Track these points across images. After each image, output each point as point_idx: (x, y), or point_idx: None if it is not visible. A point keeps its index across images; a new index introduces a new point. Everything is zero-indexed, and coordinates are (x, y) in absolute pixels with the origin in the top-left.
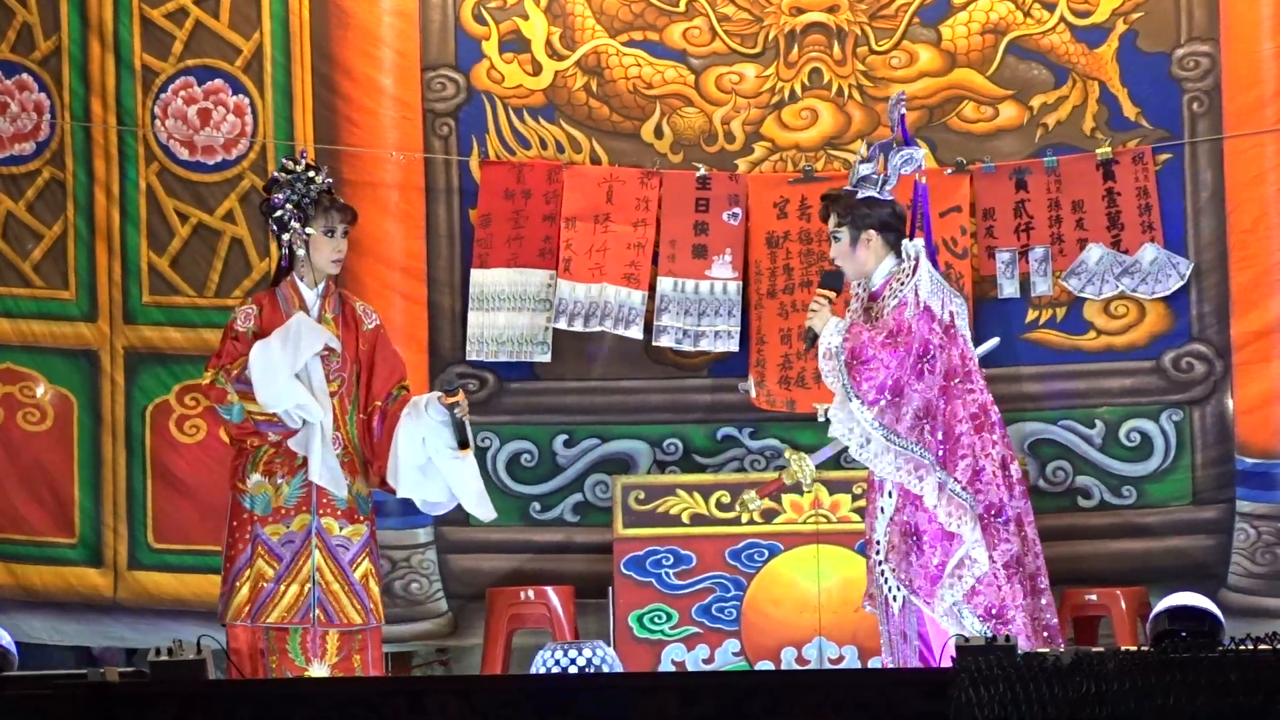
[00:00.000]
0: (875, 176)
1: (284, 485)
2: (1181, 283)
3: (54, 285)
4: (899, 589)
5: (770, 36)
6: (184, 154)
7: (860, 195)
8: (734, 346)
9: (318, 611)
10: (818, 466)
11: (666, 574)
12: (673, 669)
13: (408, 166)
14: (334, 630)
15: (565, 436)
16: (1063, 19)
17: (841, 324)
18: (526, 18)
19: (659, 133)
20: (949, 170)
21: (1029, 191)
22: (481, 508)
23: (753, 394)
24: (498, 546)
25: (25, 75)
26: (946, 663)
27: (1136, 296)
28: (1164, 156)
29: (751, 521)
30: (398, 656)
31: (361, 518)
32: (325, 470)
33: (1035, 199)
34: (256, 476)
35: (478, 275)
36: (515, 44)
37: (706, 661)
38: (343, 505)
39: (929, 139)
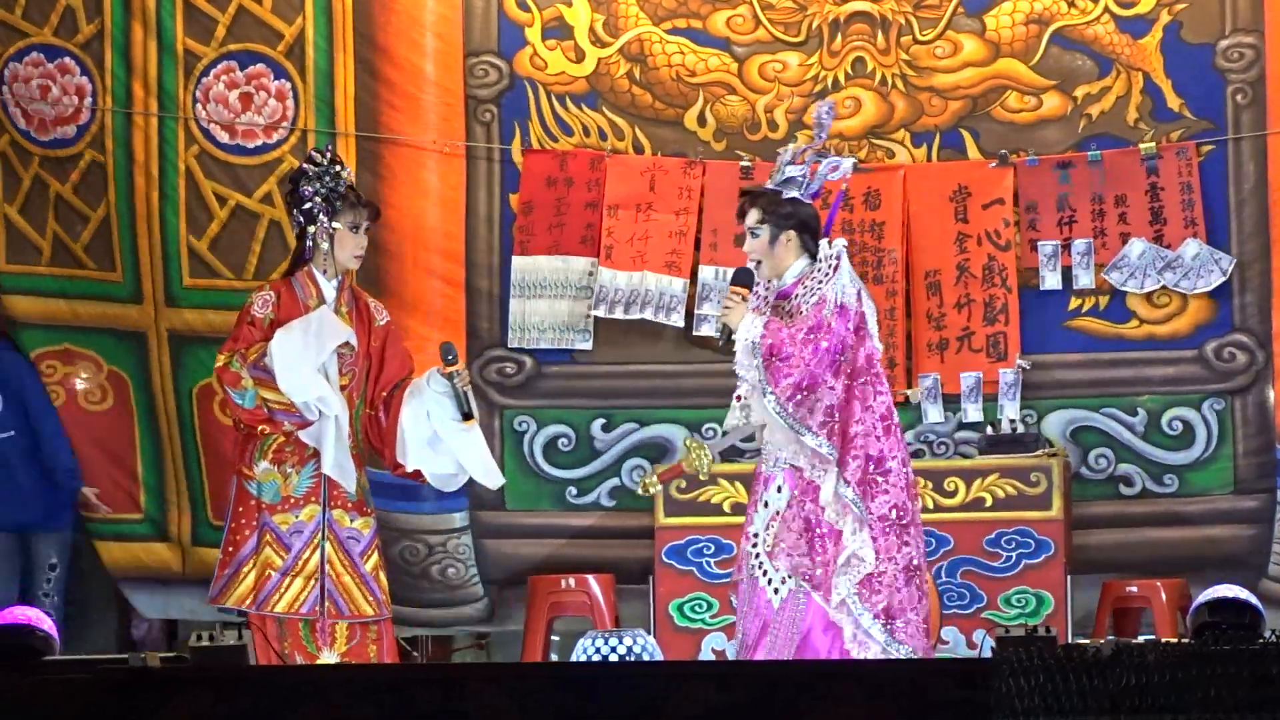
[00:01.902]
0: (800, 179)
1: (293, 475)
2: (1224, 278)
3: (103, 267)
4: (786, 581)
5: (814, 25)
6: (224, 137)
7: (785, 195)
8: None
9: (328, 604)
10: (720, 455)
11: (707, 563)
12: (713, 658)
13: (449, 153)
14: (343, 621)
15: (603, 420)
16: (1107, 9)
17: (758, 320)
18: (570, 4)
19: (702, 121)
20: (992, 163)
21: (1072, 185)
22: (490, 477)
23: None
24: (534, 531)
25: (67, 59)
26: (834, 654)
27: (1179, 291)
28: (1207, 148)
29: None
30: (436, 640)
31: (369, 510)
32: (337, 465)
33: (1078, 192)
34: (265, 464)
35: (519, 262)
36: (558, 30)
37: None
38: (353, 498)
39: (972, 129)
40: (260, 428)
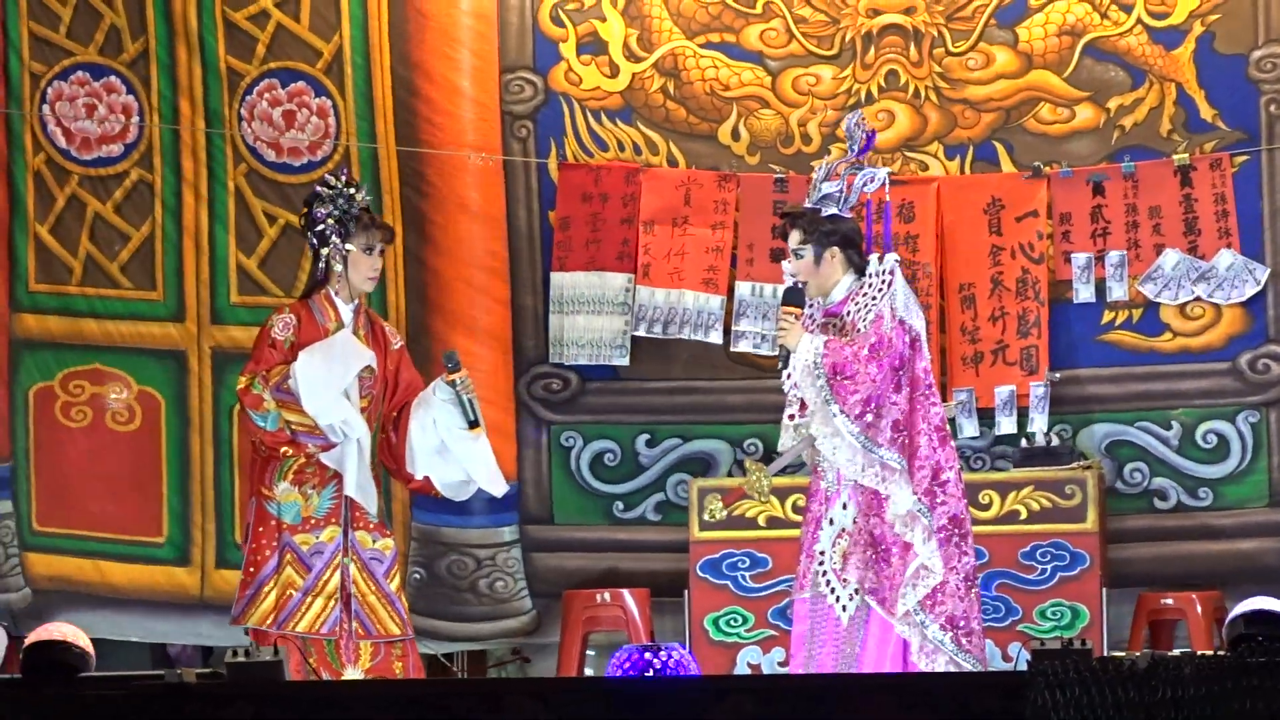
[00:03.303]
0: (838, 195)
1: (314, 495)
2: (1258, 289)
3: (142, 286)
4: (854, 598)
5: (847, 38)
6: (271, 155)
7: (824, 213)
8: None
9: (355, 624)
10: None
11: (742, 576)
12: (748, 672)
13: (487, 167)
14: (368, 640)
15: (647, 436)
16: (1139, 20)
17: (817, 339)
18: (604, 19)
19: (736, 135)
20: (1026, 174)
21: (1106, 197)
22: (494, 484)
23: None
24: (581, 545)
25: (113, 78)
26: (901, 667)
27: (1213, 302)
28: (1241, 158)
29: None
30: (473, 655)
31: (389, 531)
32: (359, 487)
33: (1112, 204)
34: (285, 485)
35: (557, 278)
36: (593, 46)
37: (782, 665)
38: (374, 519)
39: (1005, 141)
40: (282, 450)
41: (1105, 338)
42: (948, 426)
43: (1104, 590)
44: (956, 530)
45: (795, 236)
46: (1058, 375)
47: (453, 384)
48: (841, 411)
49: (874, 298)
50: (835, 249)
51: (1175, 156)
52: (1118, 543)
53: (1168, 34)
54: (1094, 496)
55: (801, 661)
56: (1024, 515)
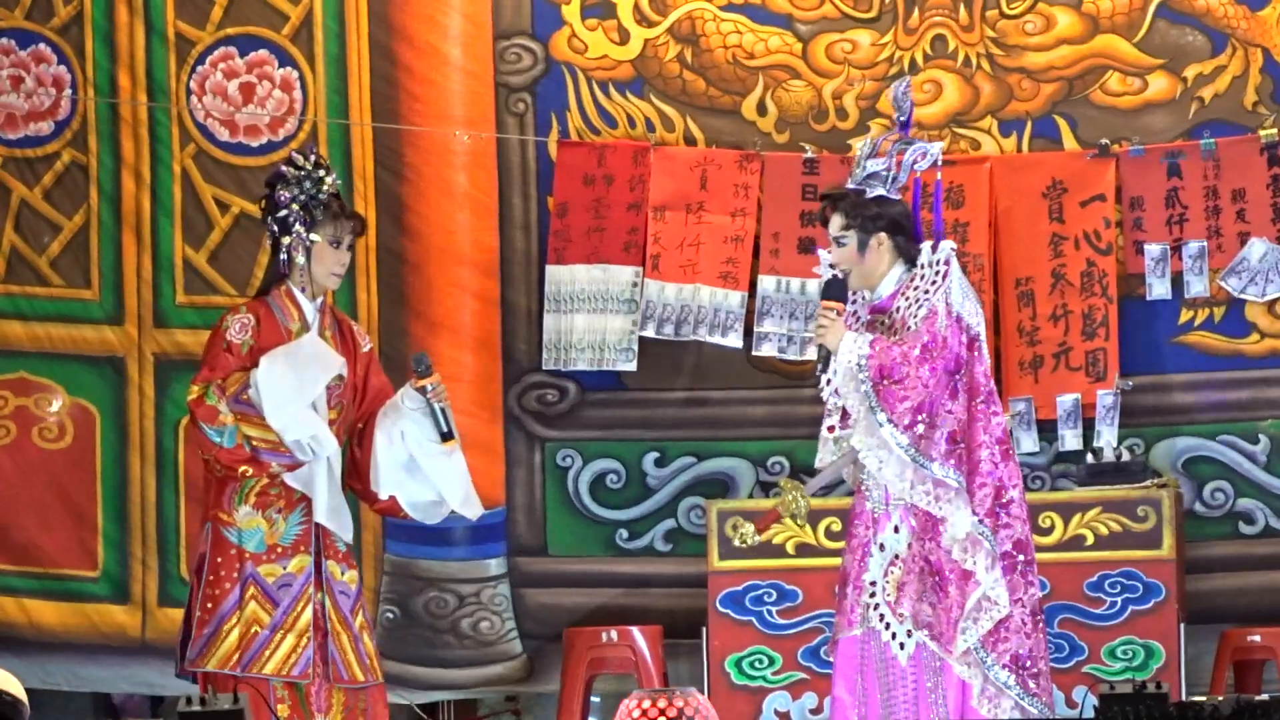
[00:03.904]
0: (885, 174)
1: (279, 521)
2: None
3: (74, 283)
4: (913, 634)
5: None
6: (224, 134)
7: (869, 194)
8: None
9: (330, 666)
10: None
11: (768, 612)
12: None
13: (478, 147)
14: (339, 687)
15: (656, 454)
16: None
17: (862, 338)
18: None
19: (761, 109)
20: (1091, 153)
21: (1183, 178)
22: (469, 506)
23: None
24: (579, 580)
25: (42, 45)
26: (955, 715)
27: None
28: None
29: None
30: (461, 705)
31: (355, 562)
32: (332, 512)
33: (1190, 187)
34: (246, 509)
35: (553, 272)
36: (600, 9)
37: (814, 712)
38: (343, 548)
39: (1067, 115)
40: (241, 469)
41: (1183, 339)
42: (1010, 439)
43: (1181, 626)
44: (1022, 557)
45: (837, 222)
46: (1129, 382)
47: (423, 390)
48: (889, 420)
49: (927, 291)
50: (882, 235)
51: (1262, 132)
52: (1197, 572)
53: None
54: (1170, 519)
55: (850, 708)
56: (1090, 541)
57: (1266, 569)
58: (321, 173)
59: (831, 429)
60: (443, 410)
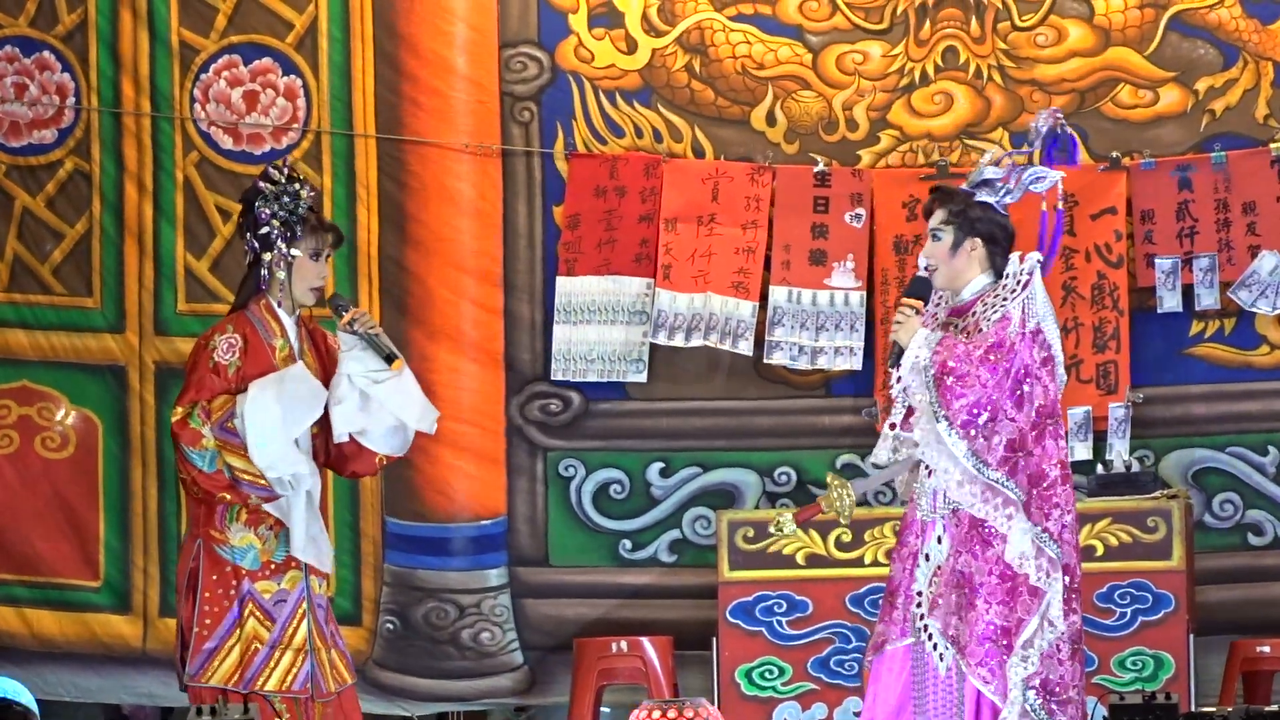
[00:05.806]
0: (998, 184)
1: (270, 538)
2: None
3: (76, 292)
4: (950, 647)
5: (899, 10)
6: (227, 143)
7: (978, 198)
8: (856, 365)
9: (324, 684)
10: (859, 496)
11: (778, 622)
12: None
13: (483, 157)
14: (319, 700)
15: (661, 464)
16: None
17: (932, 336)
18: None
19: (771, 120)
20: (1102, 166)
21: (1194, 191)
22: (426, 420)
23: (878, 419)
24: (582, 590)
25: (46, 53)
26: None
27: None
28: None
29: (875, 562)
30: (469, 717)
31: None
32: (310, 543)
33: (1201, 200)
34: (239, 527)
35: (564, 284)
36: (607, 18)
37: None
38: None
39: (1079, 127)
40: (220, 495)
41: (1193, 351)
42: (1066, 464)
43: (1191, 637)
44: (1067, 580)
45: (938, 215)
46: (1139, 395)
47: (350, 326)
48: (945, 416)
49: (1005, 299)
50: (977, 240)
51: (1272, 145)
52: (1207, 583)
53: (1264, 7)
54: (1180, 529)
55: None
56: (1100, 551)
57: (1276, 580)
58: (297, 186)
59: (893, 426)
60: (376, 335)
